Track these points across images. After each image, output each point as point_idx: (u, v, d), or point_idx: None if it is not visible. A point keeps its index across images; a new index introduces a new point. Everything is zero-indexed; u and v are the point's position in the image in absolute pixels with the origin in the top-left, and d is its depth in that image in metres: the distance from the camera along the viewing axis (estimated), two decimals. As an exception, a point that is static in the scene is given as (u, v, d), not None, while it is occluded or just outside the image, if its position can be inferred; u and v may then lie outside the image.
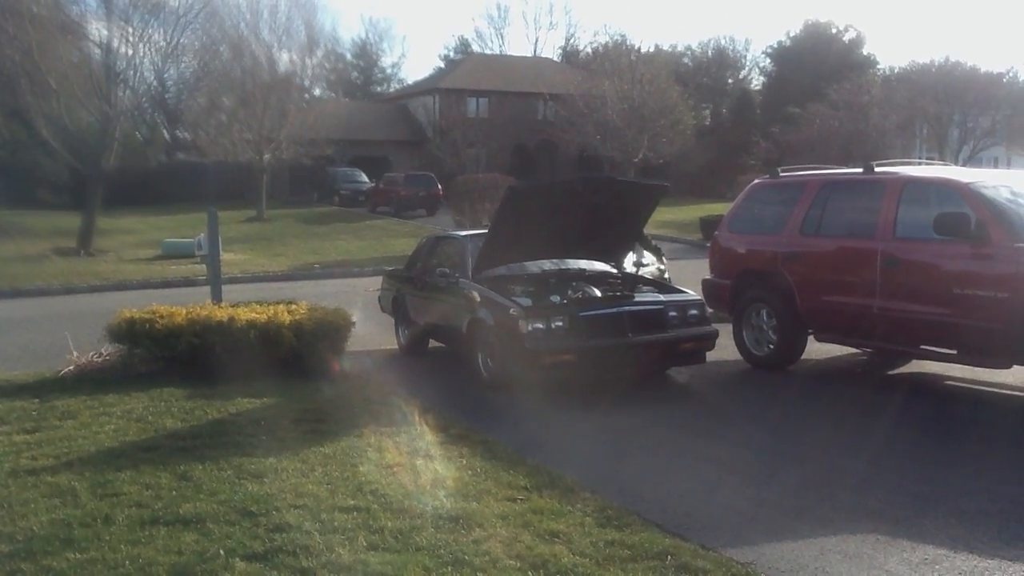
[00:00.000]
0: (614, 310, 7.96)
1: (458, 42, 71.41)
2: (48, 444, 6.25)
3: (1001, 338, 6.85)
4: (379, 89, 68.39)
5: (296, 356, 8.51)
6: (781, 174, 9.49)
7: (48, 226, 26.61)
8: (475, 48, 66.95)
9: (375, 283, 12.78)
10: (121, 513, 4.89)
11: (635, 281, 8.90)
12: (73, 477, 5.51)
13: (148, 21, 25.70)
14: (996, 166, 39.29)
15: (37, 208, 30.94)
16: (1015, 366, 7.11)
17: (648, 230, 12.44)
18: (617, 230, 9.14)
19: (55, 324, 12.30)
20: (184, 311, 8.83)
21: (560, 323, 7.71)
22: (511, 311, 7.81)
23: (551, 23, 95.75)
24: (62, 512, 4.93)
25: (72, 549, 4.42)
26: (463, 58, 60.25)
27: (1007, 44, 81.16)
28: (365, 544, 4.45)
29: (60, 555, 4.36)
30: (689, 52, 55.75)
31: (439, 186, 34.59)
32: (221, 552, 4.35)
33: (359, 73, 69.25)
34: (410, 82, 62.63)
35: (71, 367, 8.69)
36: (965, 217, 7.08)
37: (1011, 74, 39.05)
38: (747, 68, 57.60)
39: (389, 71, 73.32)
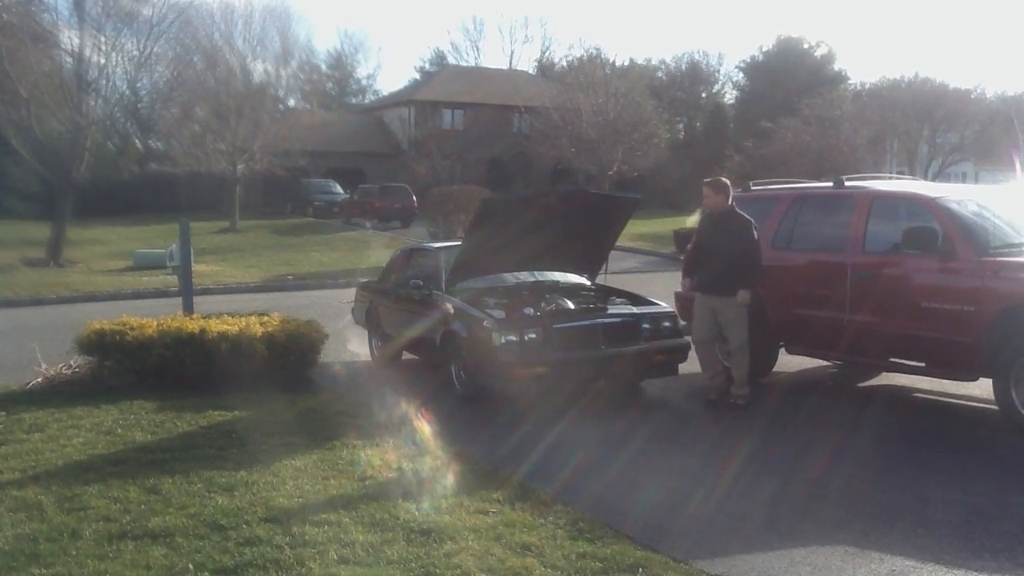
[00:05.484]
0: (587, 322, 7.98)
1: (434, 54, 71.54)
2: (14, 457, 6.17)
3: (968, 351, 6.94)
4: (354, 100, 68.31)
5: (268, 368, 8.46)
6: (753, 188, 9.58)
7: (17, 236, 26.27)
8: (451, 60, 67.07)
9: (349, 295, 12.73)
10: (88, 527, 4.83)
11: (608, 293, 8.94)
12: (39, 491, 5.43)
13: (121, 30, 25.54)
14: (964, 181, 39.88)
15: (5, 217, 30.53)
16: (981, 378, 7.20)
17: (622, 242, 12.50)
18: (591, 243, 9.19)
19: (23, 336, 12.14)
20: (155, 323, 8.76)
21: (533, 335, 7.72)
22: (484, 323, 7.81)
23: (526, 36, 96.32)
24: (28, 527, 4.86)
25: (38, 564, 4.36)
26: (439, 70, 60.33)
27: (975, 62, 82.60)
28: (336, 558, 4.43)
29: (25, 571, 4.30)
30: (663, 66, 56.26)
31: (414, 198, 34.59)
32: (190, 566, 4.31)
33: (334, 84, 69.10)
34: (385, 93, 62.67)
35: (39, 379, 8.59)
36: (932, 231, 7.18)
37: (979, 91, 39.69)
38: (720, 83, 58.22)
39: (364, 82, 73.33)
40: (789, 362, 9.23)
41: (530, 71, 61.72)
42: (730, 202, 7.92)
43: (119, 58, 25.35)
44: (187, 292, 10.13)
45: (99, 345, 8.56)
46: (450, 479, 5.69)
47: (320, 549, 4.51)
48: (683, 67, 55.75)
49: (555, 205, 8.61)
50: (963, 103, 37.73)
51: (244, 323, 8.86)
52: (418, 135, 44.72)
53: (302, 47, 54.68)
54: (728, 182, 8.02)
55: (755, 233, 7.82)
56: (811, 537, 4.82)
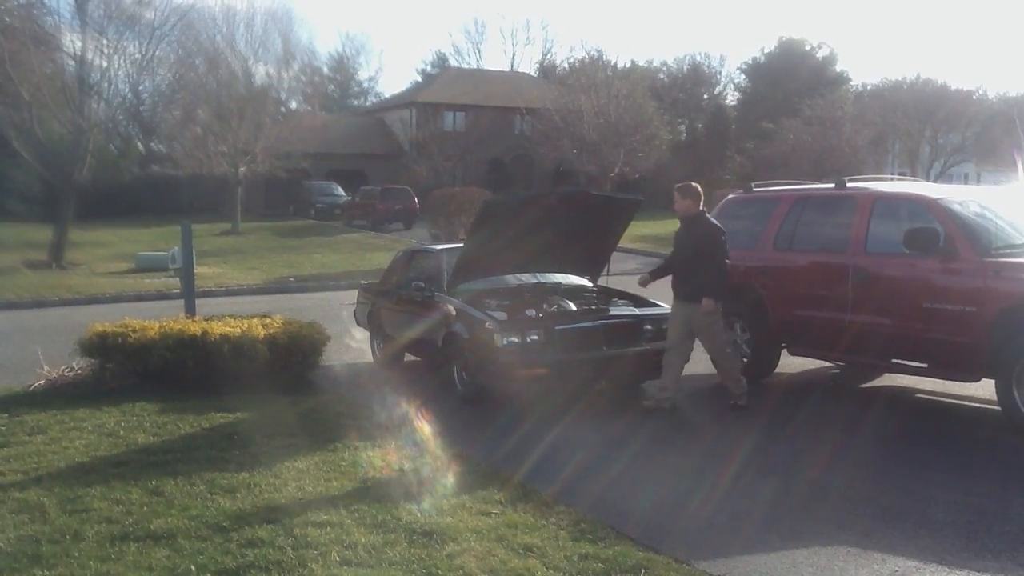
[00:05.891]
0: (589, 324, 7.99)
1: (435, 56, 71.66)
2: (16, 459, 6.18)
3: (970, 352, 6.94)
4: (356, 102, 68.39)
5: (270, 370, 8.47)
6: (755, 189, 9.59)
7: (19, 238, 26.28)
8: (452, 62, 67.17)
9: (351, 297, 12.73)
10: (91, 529, 4.84)
11: (610, 294, 8.94)
12: (42, 493, 5.44)
13: (123, 33, 25.64)
14: (966, 182, 39.86)
15: (7, 220, 30.56)
16: (983, 379, 7.20)
17: (623, 244, 12.49)
18: (593, 244, 9.19)
19: (25, 338, 12.15)
20: (157, 325, 8.77)
21: (535, 337, 7.73)
22: (486, 325, 7.82)
23: (528, 38, 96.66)
24: (30, 528, 4.87)
25: (40, 566, 4.37)
26: (440, 72, 60.33)
27: (977, 62, 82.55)
28: (338, 559, 4.43)
29: (27, 572, 4.31)
30: (665, 68, 56.25)
31: (415, 200, 34.59)
32: (192, 568, 4.32)
33: (336, 86, 69.19)
34: (387, 95, 62.68)
35: (41, 381, 8.60)
36: (934, 232, 7.18)
37: (980, 92, 39.68)
38: (722, 84, 58.14)
39: (366, 84, 73.52)
40: (791, 363, 9.23)
41: (532, 73, 61.74)
42: (700, 207, 7.72)
43: (121, 61, 25.45)
44: (189, 294, 10.13)
45: (101, 347, 8.57)
46: (451, 480, 5.70)
47: (322, 550, 4.52)
48: (685, 68, 55.74)
49: (556, 207, 8.61)
50: (965, 104, 37.76)
51: (246, 325, 8.87)
52: (420, 137, 44.64)
53: (304, 50, 54.95)
54: (697, 187, 7.75)
55: (723, 240, 7.61)
56: (813, 538, 4.82)
